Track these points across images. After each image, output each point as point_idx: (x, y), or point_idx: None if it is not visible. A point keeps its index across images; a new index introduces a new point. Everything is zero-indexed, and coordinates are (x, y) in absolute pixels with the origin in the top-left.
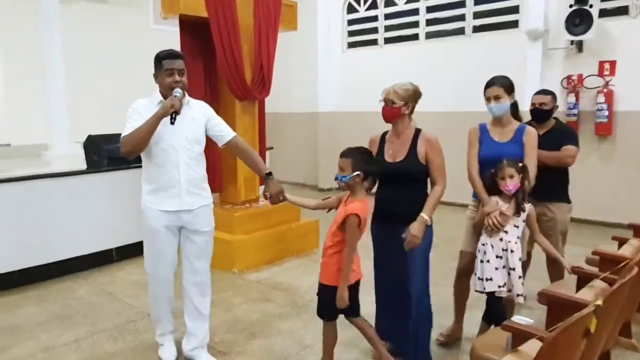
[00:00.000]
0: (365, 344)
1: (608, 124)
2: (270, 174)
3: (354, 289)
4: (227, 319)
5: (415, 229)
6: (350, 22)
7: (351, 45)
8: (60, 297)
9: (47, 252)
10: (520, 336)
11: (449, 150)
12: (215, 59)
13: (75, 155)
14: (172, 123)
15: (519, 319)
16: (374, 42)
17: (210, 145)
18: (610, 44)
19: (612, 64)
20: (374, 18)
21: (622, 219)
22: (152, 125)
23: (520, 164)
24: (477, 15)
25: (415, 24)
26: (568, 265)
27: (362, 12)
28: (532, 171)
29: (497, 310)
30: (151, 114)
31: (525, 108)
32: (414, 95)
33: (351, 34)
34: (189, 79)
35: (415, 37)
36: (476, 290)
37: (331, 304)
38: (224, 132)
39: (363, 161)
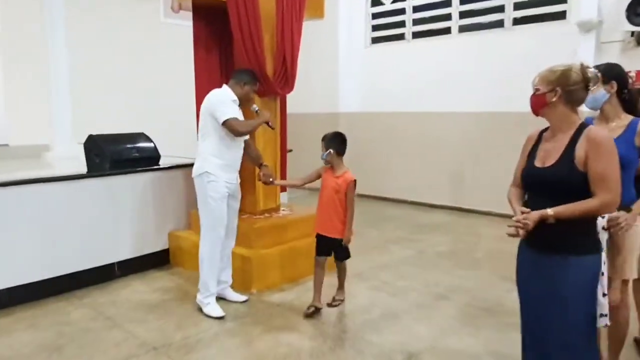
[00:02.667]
0: None
1: None
2: (263, 164)
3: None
4: (248, 356)
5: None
6: (375, 16)
7: (375, 40)
8: (53, 321)
9: (40, 268)
10: None
11: (487, 155)
12: (232, 49)
13: (78, 157)
14: (272, 128)
15: None
16: (400, 36)
17: None
18: None
19: None
20: (401, 11)
21: None
22: (257, 127)
23: None
24: (517, 6)
25: (447, 17)
26: None
27: (387, 5)
28: None
29: None
30: (234, 106)
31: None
32: (564, 78)
33: (375, 28)
34: (202, 73)
35: (447, 30)
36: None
37: (332, 249)
38: None
39: (334, 142)
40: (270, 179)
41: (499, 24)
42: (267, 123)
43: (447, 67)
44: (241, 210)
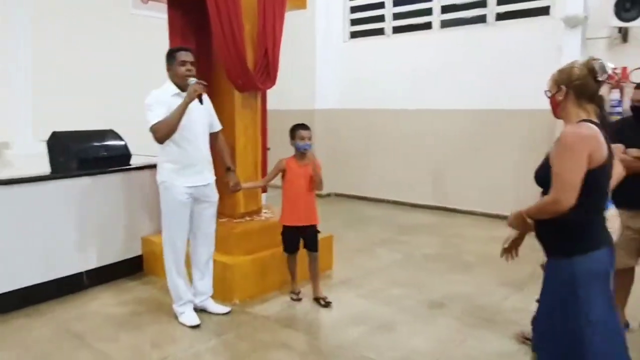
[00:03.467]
0: None
1: None
2: (230, 168)
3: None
4: None
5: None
6: (354, 9)
7: (354, 35)
8: (14, 341)
9: None
10: None
11: (470, 153)
12: (211, 40)
13: (40, 155)
14: (201, 103)
15: None
16: (380, 31)
17: None
18: None
19: None
20: (381, 5)
21: None
22: (182, 112)
23: None
24: (500, 1)
25: (428, 12)
26: None
27: None
28: None
29: None
30: (170, 104)
31: None
32: (567, 75)
33: (354, 22)
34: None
35: (428, 25)
36: None
37: (305, 238)
38: (216, 122)
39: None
40: (238, 187)
41: (482, 19)
42: (199, 98)
43: (429, 63)
44: (220, 214)
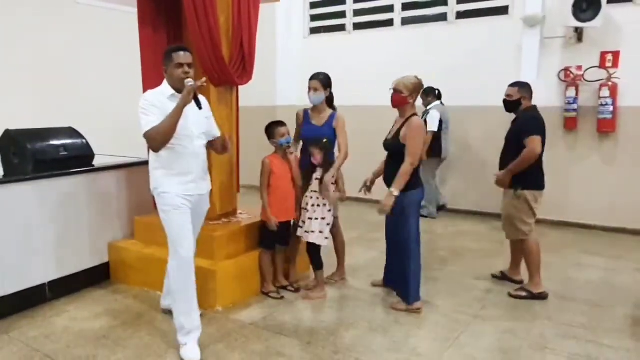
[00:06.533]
0: None
1: (612, 121)
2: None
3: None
4: None
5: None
6: (313, 5)
7: (314, 30)
8: None
9: None
10: None
11: None
12: (184, 32)
13: None
14: (199, 107)
15: None
16: (341, 27)
17: None
18: (613, 33)
19: (616, 55)
20: (341, 1)
21: (624, 223)
22: (177, 117)
23: None
24: (461, 0)
25: (389, 8)
26: None
27: None
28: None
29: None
30: (166, 107)
31: None
32: (417, 88)
33: (314, 18)
34: (149, 56)
35: (389, 23)
36: None
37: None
38: (215, 129)
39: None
40: (226, 145)
41: (443, 17)
42: (196, 101)
43: (390, 60)
44: None
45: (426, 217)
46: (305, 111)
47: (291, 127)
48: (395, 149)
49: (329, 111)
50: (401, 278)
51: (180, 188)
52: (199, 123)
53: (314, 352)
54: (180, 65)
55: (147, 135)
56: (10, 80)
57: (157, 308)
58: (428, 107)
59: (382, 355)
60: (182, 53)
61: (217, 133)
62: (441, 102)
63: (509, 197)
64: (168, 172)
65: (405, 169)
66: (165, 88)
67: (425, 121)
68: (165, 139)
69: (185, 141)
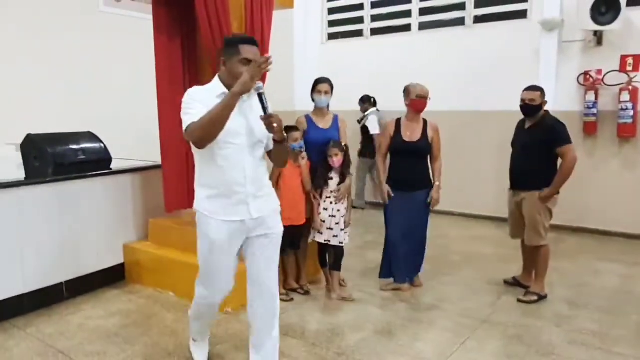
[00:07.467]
0: None
1: (632, 125)
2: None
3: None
4: None
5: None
6: (332, 11)
7: (332, 36)
8: None
9: None
10: None
11: (449, 154)
12: (197, 38)
13: (8, 158)
14: (264, 110)
15: None
16: (358, 33)
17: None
18: (634, 36)
19: (636, 58)
20: (359, 6)
21: None
22: (228, 107)
23: None
24: (478, 4)
25: (407, 13)
26: None
27: (345, 0)
28: None
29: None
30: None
31: None
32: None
33: (332, 24)
34: (164, 62)
35: (407, 28)
36: None
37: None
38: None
39: None
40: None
41: (460, 21)
42: (261, 99)
43: (407, 65)
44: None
45: (357, 207)
46: (307, 116)
47: None
48: (426, 151)
49: (331, 114)
50: (414, 265)
51: (225, 212)
52: (258, 129)
53: (318, 354)
54: (248, 61)
55: (188, 131)
56: (34, 87)
57: (169, 308)
58: (366, 113)
59: (386, 358)
60: (250, 46)
61: (271, 145)
62: (377, 109)
63: (531, 203)
64: (209, 190)
65: (441, 165)
66: (216, 85)
67: (365, 126)
68: (208, 132)
69: (233, 149)
